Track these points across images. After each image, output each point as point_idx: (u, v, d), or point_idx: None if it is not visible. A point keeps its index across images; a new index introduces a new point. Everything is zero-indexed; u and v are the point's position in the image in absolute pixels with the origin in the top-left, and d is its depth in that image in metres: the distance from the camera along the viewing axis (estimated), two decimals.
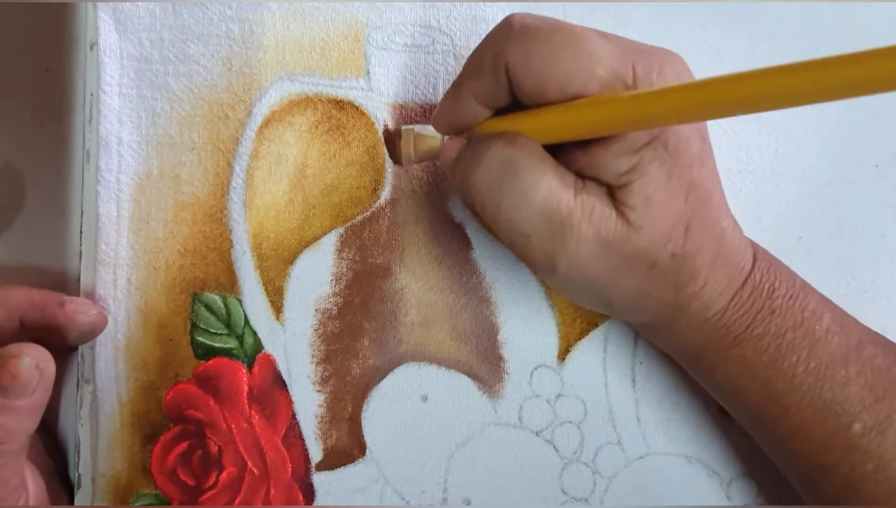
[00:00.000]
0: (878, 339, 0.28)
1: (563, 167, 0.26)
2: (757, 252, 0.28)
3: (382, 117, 0.31)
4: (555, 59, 0.24)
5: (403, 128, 0.30)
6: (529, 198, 0.25)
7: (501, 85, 0.25)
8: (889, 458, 0.26)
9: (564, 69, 0.24)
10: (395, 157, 0.30)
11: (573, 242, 0.25)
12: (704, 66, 0.32)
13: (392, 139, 0.30)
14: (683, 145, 0.25)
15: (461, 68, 0.27)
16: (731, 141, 0.33)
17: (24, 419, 0.26)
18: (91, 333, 0.29)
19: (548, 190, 0.25)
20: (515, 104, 0.26)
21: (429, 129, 0.29)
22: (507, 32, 0.25)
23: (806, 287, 0.28)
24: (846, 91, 0.19)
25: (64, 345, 0.29)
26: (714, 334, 0.27)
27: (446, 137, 0.28)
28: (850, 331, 0.27)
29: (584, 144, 0.25)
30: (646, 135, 0.24)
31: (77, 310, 0.28)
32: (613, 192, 0.25)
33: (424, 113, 0.31)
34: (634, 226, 0.25)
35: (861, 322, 0.29)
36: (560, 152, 0.26)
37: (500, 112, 0.27)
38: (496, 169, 0.25)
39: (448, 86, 0.31)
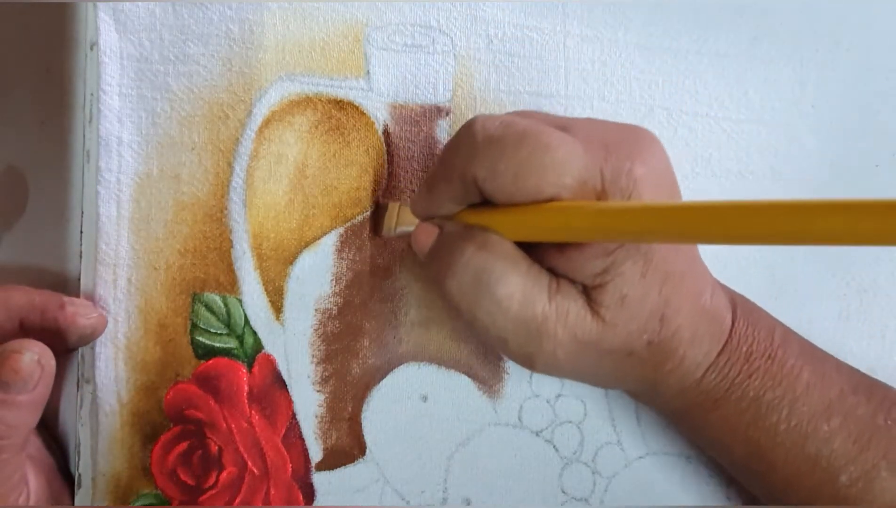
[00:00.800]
0: (860, 384, 0.28)
1: (538, 264, 0.26)
2: (735, 309, 0.28)
3: (382, 117, 0.31)
4: (522, 174, 0.24)
5: (391, 202, 0.30)
6: (504, 307, 0.25)
7: (471, 192, 0.25)
8: (879, 505, 0.26)
9: (533, 184, 0.24)
10: (377, 229, 0.31)
11: (550, 346, 0.25)
12: (704, 65, 0.32)
13: (379, 210, 0.31)
14: None
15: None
16: (731, 141, 0.33)
17: (26, 413, 0.26)
18: (91, 336, 0.29)
19: (522, 296, 0.25)
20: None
21: None
22: (471, 147, 0.25)
23: (785, 340, 0.28)
24: (802, 238, 0.18)
25: (64, 347, 0.29)
26: (694, 399, 0.27)
27: None
28: (830, 383, 0.27)
29: (559, 244, 0.25)
30: None
31: (77, 313, 0.28)
32: (588, 292, 0.25)
33: (424, 113, 0.31)
34: (609, 324, 0.25)
35: (845, 364, 0.29)
36: (534, 248, 0.26)
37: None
38: (470, 278, 0.25)
39: (447, 85, 0.31)
